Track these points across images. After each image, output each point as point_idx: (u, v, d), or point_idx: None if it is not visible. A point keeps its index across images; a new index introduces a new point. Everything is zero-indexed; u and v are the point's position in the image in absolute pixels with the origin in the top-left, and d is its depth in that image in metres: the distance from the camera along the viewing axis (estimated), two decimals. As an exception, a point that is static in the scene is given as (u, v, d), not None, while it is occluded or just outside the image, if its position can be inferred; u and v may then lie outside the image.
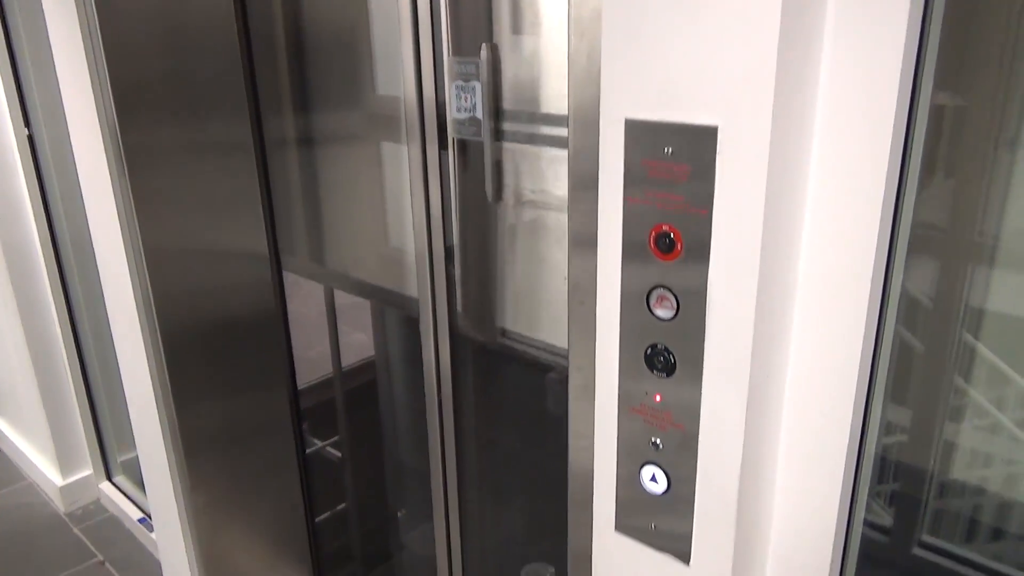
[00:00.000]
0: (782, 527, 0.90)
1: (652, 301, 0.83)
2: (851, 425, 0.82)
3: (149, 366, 1.84)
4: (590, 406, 0.93)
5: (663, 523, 0.90)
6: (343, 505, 2.22)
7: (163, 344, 1.78)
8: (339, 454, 2.15)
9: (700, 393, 0.82)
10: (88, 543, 2.55)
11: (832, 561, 0.88)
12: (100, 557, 2.48)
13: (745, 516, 0.85)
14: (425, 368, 1.56)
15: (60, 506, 2.69)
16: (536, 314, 1.31)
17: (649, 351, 0.85)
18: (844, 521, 0.88)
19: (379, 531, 2.17)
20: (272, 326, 1.96)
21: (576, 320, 0.97)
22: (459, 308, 1.42)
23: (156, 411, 1.88)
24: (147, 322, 1.78)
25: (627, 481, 0.92)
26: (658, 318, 0.83)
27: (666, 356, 0.83)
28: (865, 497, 0.90)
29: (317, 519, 2.21)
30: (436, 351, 1.57)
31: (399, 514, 2.17)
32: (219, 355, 1.88)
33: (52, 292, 2.51)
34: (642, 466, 0.90)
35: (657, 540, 0.91)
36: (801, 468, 0.87)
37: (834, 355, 0.80)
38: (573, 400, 0.99)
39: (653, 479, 0.89)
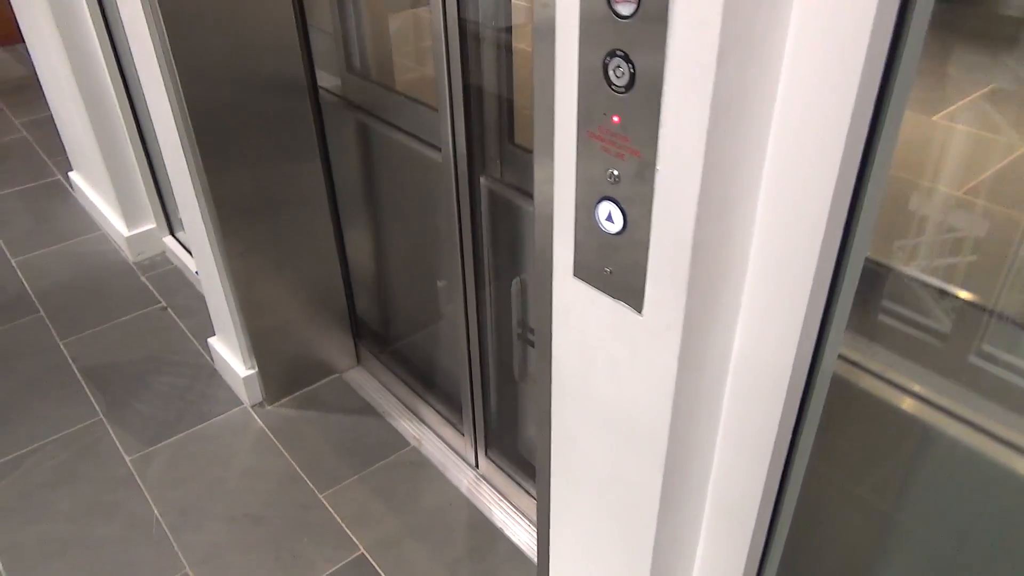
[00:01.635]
0: (751, 279, 0.80)
1: (612, -5, 0.68)
2: (839, 171, 0.68)
3: (179, 132, 1.81)
4: (551, 138, 0.82)
5: (618, 268, 0.81)
6: (379, 272, 2.23)
7: (190, 112, 1.74)
8: (375, 226, 2.14)
9: (659, 112, 0.69)
10: (153, 290, 2.71)
11: (806, 317, 0.78)
12: (163, 303, 2.64)
13: (702, 265, 0.74)
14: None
15: (128, 256, 2.84)
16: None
17: (607, 59, 0.71)
18: (825, 275, 0.76)
19: (415, 302, 2.19)
20: (300, 97, 1.88)
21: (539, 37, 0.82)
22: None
23: (190, 176, 1.88)
24: (173, 89, 1.73)
25: (585, 220, 0.82)
26: (617, 15, 0.68)
27: (625, 64, 0.69)
28: (853, 264, 0.77)
29: (355, 285, 2.24)
30: (452, 129, 1.46)
31: (439, 284, 2.17)
32: (247, 125, 1.84)
33: (101, 47, 2.48)
34: (599, 202, 0.79)
35: (611, 286, 0.83)
36: (775, 212, 0.74)
37: (827, 73, 0.65)
38: (538, 134, 0.88)
39: (609, 217, 0.79)
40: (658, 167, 0.71)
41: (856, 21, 0.61)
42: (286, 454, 2.07)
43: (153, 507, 1.94)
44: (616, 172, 0.75)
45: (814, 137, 0.68)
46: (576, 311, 0.89)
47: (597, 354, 0.89)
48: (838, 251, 0.75)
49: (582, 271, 0.85)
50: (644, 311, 0.80)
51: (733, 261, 0.78)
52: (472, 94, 1.40)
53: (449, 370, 2.04)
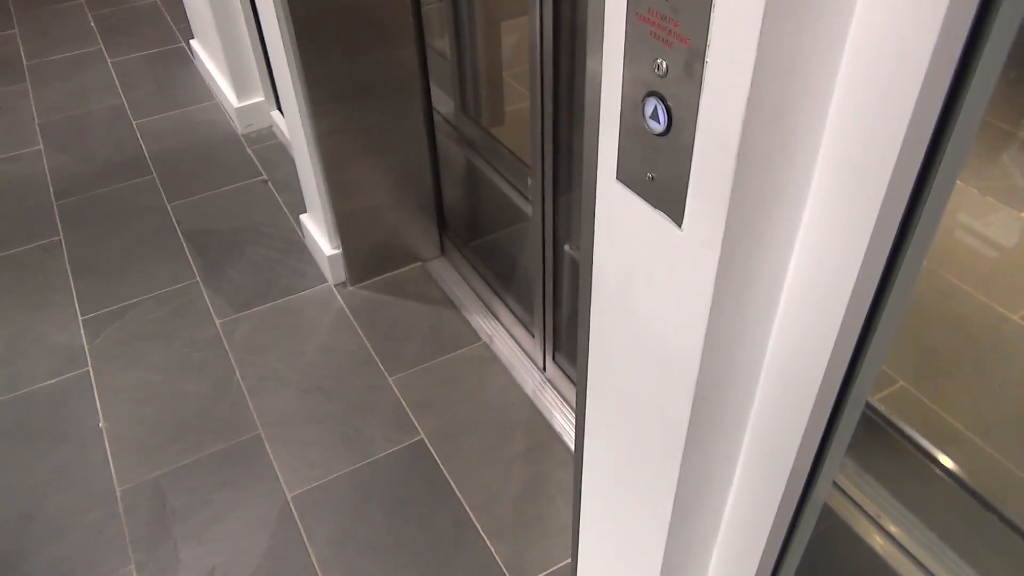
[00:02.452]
0: (813, 199, 0.69)
1: None
2: (926, 69, 0.56)
3: (276, 9, 1.78)
4: (601, 22, 0.72)
5: (661, 174, 0.72)
6: (468, 164, 2.18)
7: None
8: (466, 126, 2.06)
9: (713, -9, 0.59)
10: (257, 162, 2.78)
11: (870, 246, 0.67)
12: (264, 176, 2.71)
13: (750, 177, 0.65)
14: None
15: (238, 126, 2.92)
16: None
17: (661, -73, 0.60)
18: (901, 196, 0.65)
19: (500, 198, 2.13)
20: None
21: None
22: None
23: (285, 54, 1.86)
24: None
25: (630, 116, 0.73)
26: None
27: (680, -66, 0.59)
28: (939, 188, 0.65)
29: (443, 175, 2.20)
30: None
31: (528, 181, 2.11)
32: (344, 9, 1.78)
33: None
34: (645, 96, 0.70)
35: (653, 194, 0.74)
36: (848, 121, 0.63)
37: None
38: (591, 15, 0.78)
39: (655, 115, 0.69)
40: (707, 59, 0.62)
41: None
42: (362, 334, 2.12)
43: (236, 368, 2.04)
44: (664, 63, 0.66)
45: (901, 31, 0.56)
46: (617, 218, 0.81)
47: (635, 267, 0.81)
48: (919, 172, 0.64)
49: (625, 174, 0.77)
50: (684, 224, 0.72)
51: (792, 176, 0.68)
52: None
53: (526, 270, 2.00)
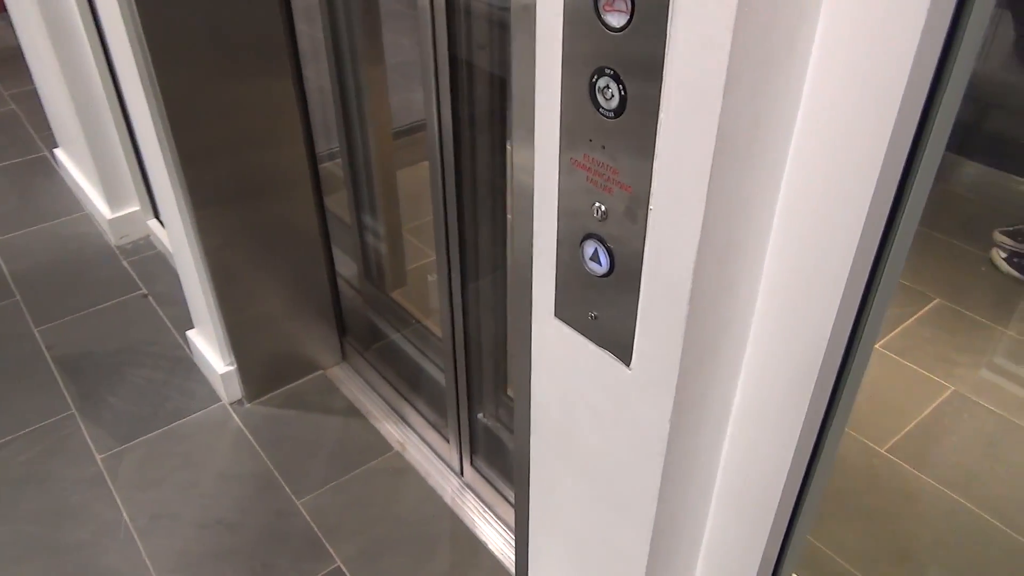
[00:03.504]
0: (756, 332, 0.69)
1: (601, 4, 0.57)
2: (865, 217, 0.57)
3: (152, 112, 1.69)
4: (531, 153, 0.71)
5: (604, 314, 0.70)
6: (365, 266, 2.13)
7: (162, 91, 1.62)
8: (359, 220, 2.03)
9: (653, 143, 0.58)
10: (134, 276, 2.60)
11: (819, 377, 0.67)
12: (144, 290, 2.54)
13: (700, 318, 0.63)
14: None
15: (111, 238, 2.74)
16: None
17: (595, 78, 0.60)
18: (843, 330, 0.66)
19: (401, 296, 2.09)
20: (282, 72, 1.76)
21: (520, 35, 0.71)
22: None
23: (164, 162, 1.77)
24: (144, 65, 1.61)
25: (567, 258, 0.71)
26: (607, 27, 0.57)
27: (615, 85, 0.58)
28: (874, 318, 0.66)
29: (339, 276, 2.14)
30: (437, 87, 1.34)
31: (428, 279, 2.07)
32: (226, 110, 1.72)
33: (83, 21, 2.36)
34: (584, 240, 0.68)
35: (596, 333, 0.72)
36: (787, 260, 0.63)
37: (860, 102, 0.53)
38: (518, 145, 0.77)
39: (595, 257, 0.68)
40: (651, 206, 0.61)
41: (900, 36, 0.50)
42: (264, 456, 1.98)
43: (122, 509, 1.86)
44: (603, 207, 0.65)
45: (838, 176, 0.57)
46: (558, 355, 0.78)
47: (580, 404, 0.79)
48: (859, 307, 0.65)
49: (564, 312, 0.75)
50: (633, 364, 0.70)
51: (738, 308, 0.67)
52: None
53: (435, 371, 1.94)
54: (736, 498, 0.80)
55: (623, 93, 0.58)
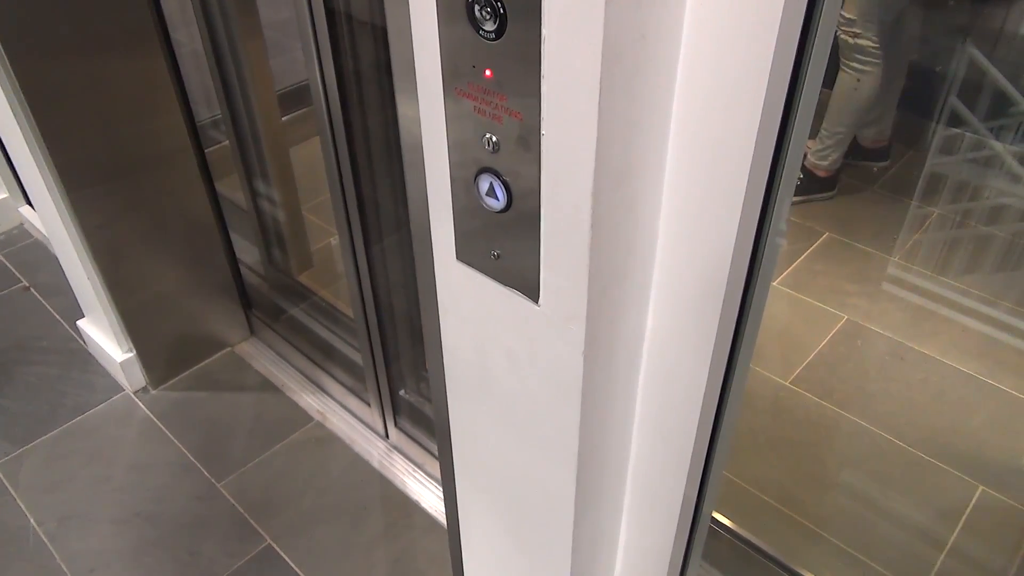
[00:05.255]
0: (662, 254, 0.68)
1: (470, -87, 0.52)
2: (758, 126, 0.55)
3: (7, 95, 1.54)
4: (415, 90, 0.66)
5: (507, 251, 0.67)
6: (267, 251, 2.04)
7: (16, 70, 1.48)
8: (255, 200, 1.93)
9: (539, 63, 0.55)
10: (12, 268, 2.42)
11: (726, 295, 0.67)
12: (24, 283, 2.37)
13: (604, 245, 0.61)
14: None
15: (-19, 231, 2.54)
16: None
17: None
18: (746, 242, 0.65)
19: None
20: (151, 55, 1.63)
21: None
22: None
23: (25, 140, 1.62)
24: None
25: (463, 196, 0.68)
26: (477, -60, 0.53)
27: (494, 6, 0.54)
28: (775, 224, 0.66)
29: (240, 249, 2.04)
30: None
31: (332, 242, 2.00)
32: (90, 84, 1.58)
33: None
34: (478, 174, 0.65)
35: (501, 272, 0.69)
36: (685, 177, 0.62)
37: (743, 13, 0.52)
38: (400, 85, 0.72)
39: (491, 192, 0.65)
40: (543, 131, 0.58)
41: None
42: (176, 442, 1.90)
43: (28, 515, 1.75)
44: (494, 138, 0.61)
45: (727, 91, 0.56)
46: (465, 300, 0.75)
47: (493, 348, 0.76)
48: (760, 211, 0.64)
49: (466, 255, 0.71)
50: (541, 300, 0.67)
51: (640, 236, 0.65)
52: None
53: (349, 335, 1.89)
54: (656, 426, 0.80)
55: (502, 11, 0.54)
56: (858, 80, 2.22)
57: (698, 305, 0.68)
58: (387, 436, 1.88)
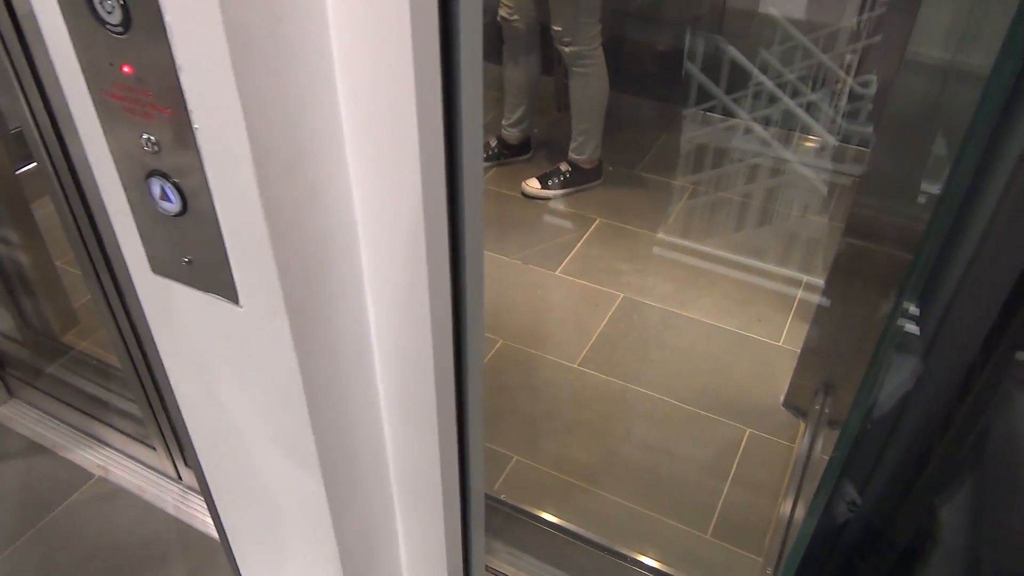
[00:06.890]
0: (366, 241, 0.68)
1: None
2: (415, 94, 0.56)
3: None
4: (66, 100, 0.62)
5: (196, 255, 0.64)
6: (20, 316, 1.84)
7: None
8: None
9: (172, 52, 0.52)
10: None
11: (430, 276, 0.68)
12: None
13: (287, 235, 0.60)
14: None
15: None
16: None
17: (87, -11, 0.52)
18: (438, 218, 0.66)
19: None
20: None
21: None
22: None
23: None
24: None
25: (140, 204, 0.64)
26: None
27: (110, -4, 0.52)
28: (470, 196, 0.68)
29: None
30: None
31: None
32: None
33: None
34: (147, 177, 0.61)
35: (197, 278, 0.66)
36: (368, 160, 0.62)
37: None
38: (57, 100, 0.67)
39: (164, 196, 0.61)
40: (195, 125, 0.55)
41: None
42: (-73, 533, 1.67)
43: None
44: (152, 138, 0.58)
45: (383, 63, 0.56)
46: (170, 314, 0.71)
47: (212, 359, 0.73)
48: (447, 183, 0.65)
49: (160, 266, 0.68)
50: (241, 300, 0.65)
51: (333, 222, 0.65)
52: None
53: (120, 386, 1.75)
54: (402, 412, 0.80)
55: (123, 2, 0.51)
56: (585, 82, 2.40)
57: (409, 282, 0.69)
58: (180, 478, 1.76)
